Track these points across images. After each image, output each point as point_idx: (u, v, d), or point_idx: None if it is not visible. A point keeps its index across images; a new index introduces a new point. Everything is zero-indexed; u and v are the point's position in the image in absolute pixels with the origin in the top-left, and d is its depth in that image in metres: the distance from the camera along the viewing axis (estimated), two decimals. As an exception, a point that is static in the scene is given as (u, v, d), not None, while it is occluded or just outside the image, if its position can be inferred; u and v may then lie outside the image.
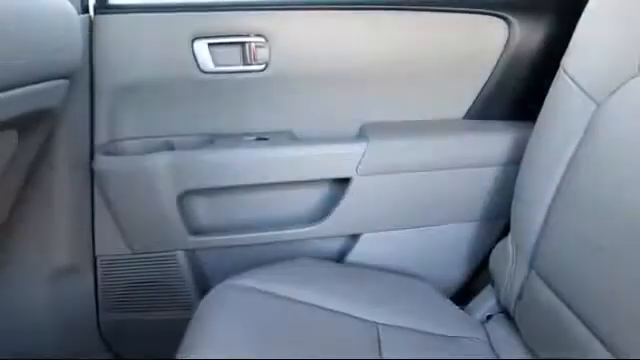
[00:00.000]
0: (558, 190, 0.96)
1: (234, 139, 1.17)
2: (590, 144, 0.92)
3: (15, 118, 0.80)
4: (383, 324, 1.01)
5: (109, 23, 1.07)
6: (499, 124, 1.20)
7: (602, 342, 0.78)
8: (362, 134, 1.19)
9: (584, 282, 0.85)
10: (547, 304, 0.92)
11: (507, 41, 1.17)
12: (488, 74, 1.20)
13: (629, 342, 0.73)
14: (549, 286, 0.94)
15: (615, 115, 0.89)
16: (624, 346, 0.74)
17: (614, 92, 0.90)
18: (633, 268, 0.75)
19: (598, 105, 0.93)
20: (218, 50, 1.12)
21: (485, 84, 1.21)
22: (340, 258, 1.26)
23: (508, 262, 1.06)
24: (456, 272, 1.26)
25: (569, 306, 0.87)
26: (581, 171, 0.93)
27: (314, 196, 1.23)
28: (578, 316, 0.85)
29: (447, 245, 1.24)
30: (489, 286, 1.14)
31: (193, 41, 1.10)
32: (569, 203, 0.93)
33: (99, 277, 1.24)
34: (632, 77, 0.88)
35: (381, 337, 0.97)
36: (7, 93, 0.74)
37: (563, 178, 0.96)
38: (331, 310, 1.01)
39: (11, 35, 0.72)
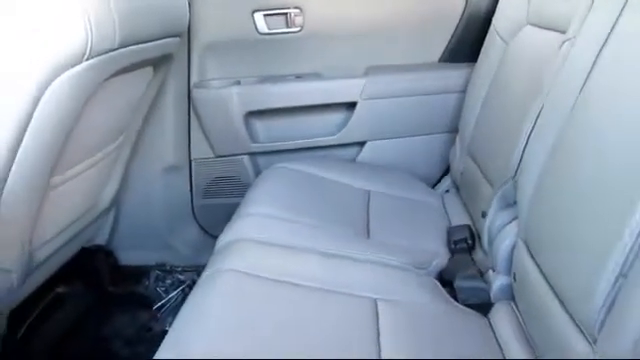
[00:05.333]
0: (482, 104, 1.51)
1: (280, 77, 1.78)
2: (501, 72, 1.46)
3: (154, 58, 1.42)
4: (374, 191, 1.57)
5: (201, 2, 1.67)
6: (460, 65, 1.75)
7: (490, 183, 1.31)
8: (365, 73, 1.76)
9: (490, 157, 1.38)
10: (473, 176, 1.46)
11: (466, 3, 1.71)
12: (453, 29, 1.75)
13: (501, 172, 1.22)
14: (474, 162, 1.48)
15: (514, 52, 1.42)
16: (498, 178, 1.24)
17: (515, 35, 1.43)
18: (514, 139, 1.24)
19: (507, 45, 1.46)
20: (270, 19, 1.73)
21: (451, 37, 1.76)
22: (352, 160, 1.84)
23: (457, 153, 1.62)
24: (432, 168, 1.82)
25: (482, 172, 1.41)
26: (494, 90, 1.47)
27: (334, 115, 1.81)
28: (485, 177, 1.38)
29: (425, 149, 1.80)
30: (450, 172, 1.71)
31: (253, 13, 1.70)
32: (488, 108, 1.47)
33: (193, 173, 1.86)
34: (524, 25, 1.40)
35: (370, 198, 1.54)
36: (153, 42, 1.34)
37: (485, 96, 1.50)
38: (344, 184, 1.59)
39: (153, 12, 1.33)
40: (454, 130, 1.71)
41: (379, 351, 0.86)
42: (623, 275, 0.64)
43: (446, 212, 1.51)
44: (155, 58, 1.43)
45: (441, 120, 1.77)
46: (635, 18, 0.82)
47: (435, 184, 1.80)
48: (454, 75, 1.74)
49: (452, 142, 1.71)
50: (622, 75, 0.79)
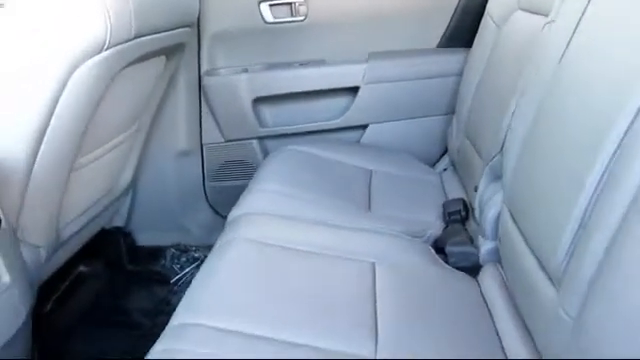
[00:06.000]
0: (477, 86, 1.59)
1: (286, 64, 1.87)
2: (494, 55, 1.54)
3: (167, 48, 1.51)
4: (375, 170, 1.67)
5: (208, -5, 1.78)
6: (457, 50, 1.83)
7: (482, 159, 1.39)
8: (367, 58, 1.85)
9: (482, 134, 1.46)
10: (468, 154, 1.55)
11: (463, -7, 1.80)
12: (450, 16, 1.83)
13: (490, 147, 1.32)
14: (469, 140, 1.56)
15: (505, 36, 1.50)
16: (488, 153, 1.33)
17: (507, 20, 1.50)
18: (502, 117, 1.34)
19: (500, 29, 1.53)
20: (275, 8, 1.82)
21: (449, 23, 1.85)
22: (355, 142, 1.93)
23: (454, 133, 1.70)
24: (431, 148, 1.91)
25: (475, 149, 1.49)
26: (487, 72, 1.55)
27: (337, 99, 1.91)
28: (478, 154, 1.46)
29: (425, 130, 1.89)
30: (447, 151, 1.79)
31: (259, 3, 1.80)
32: (482, 89, 1.55)
33: (204, 157, 1.96)
34: (515, 10, 1.47)
35: (372, 176, 1.63)
36: (166, 32, 1.44)
37: (479, 78, 1.58)
38: (348, 164, 1.68)
39: (166, 4, 1.42)
40: (452, 112, 1.80)
41: (375, 308, 0.96)
42: (583, 227, 0.73)
43: (443, 188, 1.60)
44: (168, 47, 1.53)
45: (439, 102, 1.85)
46: (603, 2, 0.90)
47: (434, 163, 1.89)
48: (451, 59, 1.82)
49: (450, 123, 1.80)
50: (590, 56, 0.87)
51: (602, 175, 0.71)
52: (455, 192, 1.53)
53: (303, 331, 0.86)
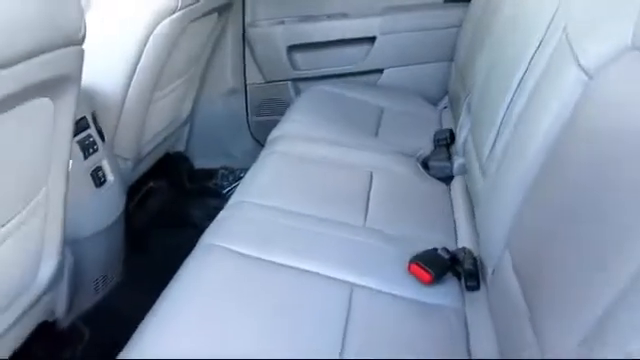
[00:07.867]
0: (472, 36, 1.93)
1: (315, 17, 2.25)
2: (485, 10, 1.87)
3: (219, 6, 1.90)
4: (386, 107, 2.05)
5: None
6: (460, 4, 2.16)
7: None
8: (383, 12, 2.20)
9: (468, 74, 1.82)
10: (459, 93, 1.90)
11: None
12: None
13: (470, 84, 1.70)
14: (461, 82, 1.92)
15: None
16: (468, 89, 1.71)
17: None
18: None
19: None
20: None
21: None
22: (373, 84, 2.31)
23: (452, 76, 2.06)
24: (435, 89, 2.26)
25: (463, 88, 1.85)
26: (480, 24, 1.88)
27: (358, 47, 2.27)
28: (463, 90, 1.83)
29: (430, 74, 2.25)
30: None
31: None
32: (474, 38, 1.89)
33: (248, 95, 2.38)
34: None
35: (383, 112, 2.02)
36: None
37: (473, 29, 1.92)
38: (364, 101, 2.06)
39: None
40: (452, 59, 2.15)
41: (368, 196, 1.37)
42: (501, 128, 1.11)
43: (440, 122, 1.98)
44: (220, 6, 1.92)
45: (443, 51, 2.20)
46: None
47: (437, 102, 2.25)
48: (455, 13, 2.16)
49: (451, 68, 2.15)
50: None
51: (515, 91, 1.09)
52: (448, 125, 1.90)
53: (316, 208, 1.29)
